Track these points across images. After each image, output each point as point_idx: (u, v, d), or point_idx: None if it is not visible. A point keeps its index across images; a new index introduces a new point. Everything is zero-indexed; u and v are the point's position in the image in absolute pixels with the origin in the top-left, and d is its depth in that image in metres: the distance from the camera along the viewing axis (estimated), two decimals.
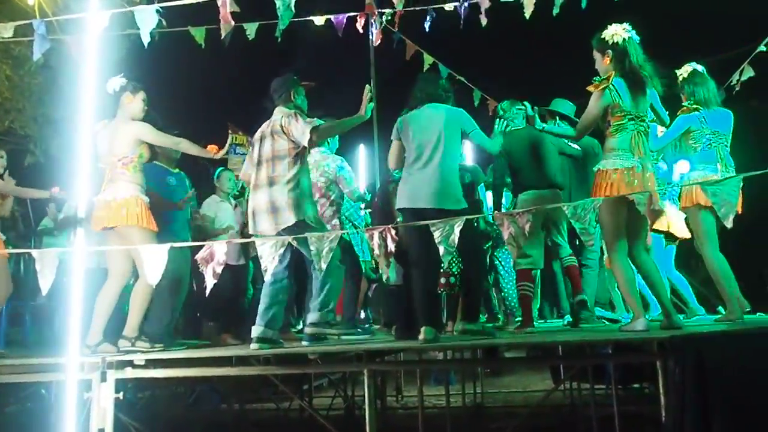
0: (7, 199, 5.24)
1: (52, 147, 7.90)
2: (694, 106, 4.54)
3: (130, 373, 3.80)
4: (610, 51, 3.94)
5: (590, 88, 3.97)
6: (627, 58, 3.89)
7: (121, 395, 3.68)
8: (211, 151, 4.47)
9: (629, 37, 3.91)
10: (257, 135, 4.40)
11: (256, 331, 4.10)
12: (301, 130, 4.13)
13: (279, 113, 4.30)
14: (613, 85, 3.88)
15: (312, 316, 4.23)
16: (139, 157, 4.36)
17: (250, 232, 4.34)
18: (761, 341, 3.29)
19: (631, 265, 3.94)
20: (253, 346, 4.05)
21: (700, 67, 4.66)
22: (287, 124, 4.18)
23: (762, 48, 5.86)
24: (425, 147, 4.12)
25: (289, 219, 4.12)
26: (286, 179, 4.16)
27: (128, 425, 4.11)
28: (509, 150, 5.01)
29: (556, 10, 5.61)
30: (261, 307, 4.16)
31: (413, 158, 4.16)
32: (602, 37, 3.98)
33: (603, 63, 3.99)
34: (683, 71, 4.66)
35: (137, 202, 4.25)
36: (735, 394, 3.01)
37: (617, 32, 3.93)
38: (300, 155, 4.25)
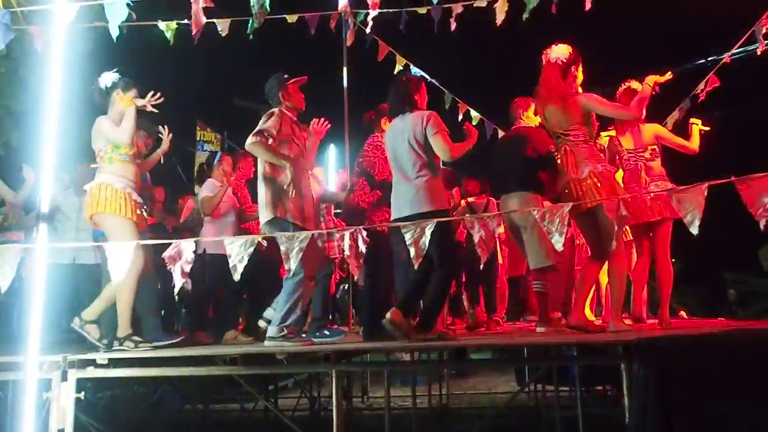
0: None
1: (12, 139, 7.69)
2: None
3: (91, 372, 3.72)
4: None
5: None
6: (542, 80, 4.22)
7: (82, 395, 3.59)
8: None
9: (546, 61, 4.19)
10: None
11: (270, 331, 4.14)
12: (256, 129, 4.19)
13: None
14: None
15: (270, 330, 4.14)
16: (113, 149, 4.26)
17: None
18: (722, 346, 3.36)
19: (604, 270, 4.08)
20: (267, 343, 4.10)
21: (633, 85, 4.79)
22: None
23: (726, 60, 6.03)
24: (399, 160, 4.18)
25: (267, 215, 4.18)
26: (264, 175, 4.26)
27: (89, 426, 4.02)
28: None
29: (525, 15, 5.68)
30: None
31: (393, 172, 4.26)
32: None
33: None
34: (619, 91, 4.87)
35: (102, 187, 4.17)
36: (696, 398, 3.08)
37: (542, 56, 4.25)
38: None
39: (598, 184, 4.01)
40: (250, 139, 4.16)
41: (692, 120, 4.96)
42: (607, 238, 4.09)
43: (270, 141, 4.20)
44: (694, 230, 3.86)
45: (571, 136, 4.14)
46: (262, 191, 4.28)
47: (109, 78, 4.38)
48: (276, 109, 4.34)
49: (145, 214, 4.40)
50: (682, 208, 3.95)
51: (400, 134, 4.19)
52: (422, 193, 4.07)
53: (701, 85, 6.17)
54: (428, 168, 4.12)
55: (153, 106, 4.35)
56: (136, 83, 4.43)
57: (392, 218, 4.20)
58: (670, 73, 4.33)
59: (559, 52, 4.17)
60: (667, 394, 3.07)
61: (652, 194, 4.53)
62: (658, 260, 4.67)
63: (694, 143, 4.85)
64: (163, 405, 7.04)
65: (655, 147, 4.72)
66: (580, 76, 4.21)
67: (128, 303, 4.17)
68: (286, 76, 4.47)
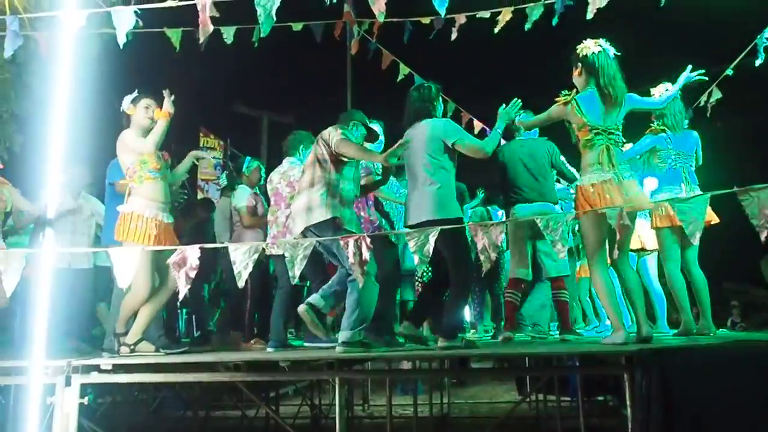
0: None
1: (16, 144, 7.71)
2: (661, 127, 4.75)
3: (95, 377, 3.72)
4: (579, 64, 4.02)
5: (557, 100, 4.07)
6: (595, 71, 3.93)
7: (85, 400, 3.60)
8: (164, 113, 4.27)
9: (600, 51, 3.95)
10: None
11: (343, 336, 4.07)
12: (334, 138, 4.21)
13: (329, 129, 4.36)
14: (576, 101, 3.95)
15: (344, 335, 4.07)
16: (141, 165, 4.24)
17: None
18: (723, 356, 3.37)
19: (611, 277, 4.00)
20: (339, 349, 4.03)
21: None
22: (329, 135, 4.26)
23: (729, 72, 6.06)
24: (415, 166, 4.22)
25: (318, 216, 4.14)
26: (322, 182, 4.21)
27: (91, 431, 4.02)
28: (504, 162, 5.12)
29: (528, 25, 5.71)
30: (346, 312, 4.13)
31: (409, 178, 4.30)
32: (575, 50, 4.07)
33: (575, 75, 4.08)
34: (657, 91, 4.80)
35: (133, 217, 4.17)
36: (698, 408, 3.08)
37: (588, 46, 4.00)
38: (335, 163, 4.25)
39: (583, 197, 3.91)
40: (337, 138, 4.19)
41: None
42: (586, 249, 4.07)
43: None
44: (695, 241, 3.87)
45: (617, 134, 3.99)
46: (312, 195, 4.23)
47: (127, 100, 4.39)
48: (343, 130, 4.35)
49: (172, 234, 4.39)
50: (685, 218, 3.97)
51: (415, 142, 4.20)
52: (433, 201, 4.09)
53: (704, 97, 6.20)
54: (440, 175, 4.14)
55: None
56: (147, 93, 4.43)
57: (407, 225, 4.22)
58: None
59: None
60: (669, 405, 3.08)
61: (656, 204, 4.53)
62: (664, 269, 4.67)
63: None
64: (164, 411, 7.03)
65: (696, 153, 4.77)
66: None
67: (132, 312, 4.24)
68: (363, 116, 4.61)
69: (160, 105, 4.30)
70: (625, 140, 4.07)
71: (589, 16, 4.88)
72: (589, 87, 3.96)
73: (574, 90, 4.04)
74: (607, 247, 3.99)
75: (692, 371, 3.18)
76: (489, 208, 6.63)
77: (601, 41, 4.01)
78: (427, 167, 4.15)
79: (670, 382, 3.10)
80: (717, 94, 6.08)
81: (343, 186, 4.24)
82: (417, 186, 4.20)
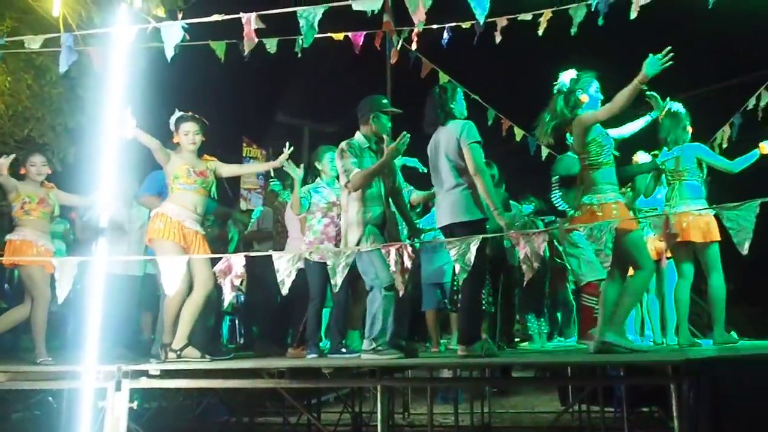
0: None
1: (68, 155, 7.98)
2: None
3: (145, 382, 3.83)
4: None
5: None
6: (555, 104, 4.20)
7: (134, 405, 3.71)
8: None
9: (560, 85, 4.22)
10: None
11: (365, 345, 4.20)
12: (340, 169, 4.35)
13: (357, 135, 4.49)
14: None
15: (365, 344, 4.24)
16: (173, 179, 4.51)
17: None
18: None
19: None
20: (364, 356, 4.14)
21: (675, 106, 4.81)
22: (338, 156, 4.40)
23: None
24: (438, 172, 4.23)
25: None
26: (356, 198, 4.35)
27: None
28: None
29: (574, 30, 5.63)
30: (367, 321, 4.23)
31: (434, 184, 4.33)
32: None
33: None
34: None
35: (157, 216, 4.43)
36: (749, 420, 3.00)
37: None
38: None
39: (599, 214, 3.95)
40: (344, 178, 4.31)
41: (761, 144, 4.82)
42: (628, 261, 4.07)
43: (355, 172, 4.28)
44: (744, 250, 3.76)
45: (580, 159, 4.20)
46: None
47: (171, 121, 4.63)
48: (348, 145, 4.41)
49: (204, 242, 4.54)
50: (733, 226, 3.86)
51: (437, 146, 4.24)
52: (459, 203, 4.08)
53: (752, 100, 6.04)
54: (465, 177, 4.12)
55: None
56: (187, 117, 4.63)
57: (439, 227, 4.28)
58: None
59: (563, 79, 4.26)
60: (718, 417, 3.01)
61: (698, 213, 4.45)
62: (711, 280, 4.58)
63: (739, 164, 4.76)
64: (208, 416, 7.14)
65: (693, 167, 4.73)
66: (586, 99, 4.17)
67: (172, 317, 4.38)
68: (385, 101, 4.61)
69: (201, 129, 4.63)
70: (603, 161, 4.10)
71: (633, 14, 4.81)
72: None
73: None
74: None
75: (742, 382, 3.10)
76: (535, 219, 6.54)
77: (567, 72, 4.26)
78: (452, 169, 4.14)
79: (719, 393, 3.03)
80: (766, 98, 5.92)
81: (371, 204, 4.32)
82: (443, 189, 4.20)
